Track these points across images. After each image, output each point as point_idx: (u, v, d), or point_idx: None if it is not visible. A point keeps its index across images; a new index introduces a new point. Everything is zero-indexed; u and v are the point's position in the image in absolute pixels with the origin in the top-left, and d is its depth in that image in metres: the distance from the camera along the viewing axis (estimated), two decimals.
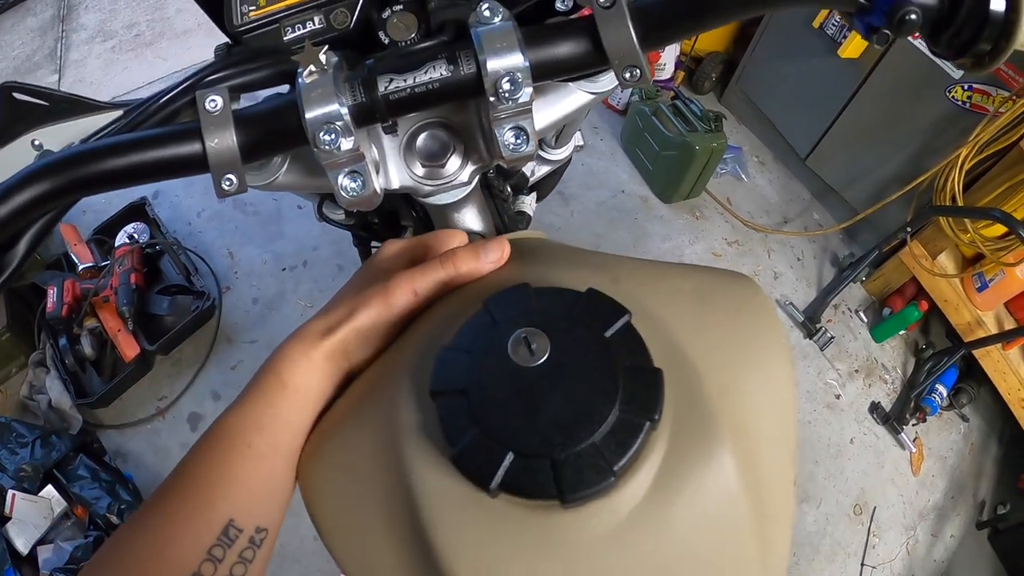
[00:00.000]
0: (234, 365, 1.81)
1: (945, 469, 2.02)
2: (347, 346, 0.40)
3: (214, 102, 0.38)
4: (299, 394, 0.39)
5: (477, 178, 0.52)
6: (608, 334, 0.32)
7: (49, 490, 1.52)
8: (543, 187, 0.93)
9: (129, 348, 1.64)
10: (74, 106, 0.47)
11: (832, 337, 2.12)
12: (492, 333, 0.33)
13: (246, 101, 0.44)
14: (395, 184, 0.49)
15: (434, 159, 0.49)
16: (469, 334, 0.34)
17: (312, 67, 0.39)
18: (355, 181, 0.41)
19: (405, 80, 0.39)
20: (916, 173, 1.90)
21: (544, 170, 0.82)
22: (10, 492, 1.47)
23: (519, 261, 0.43)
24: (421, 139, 0.49)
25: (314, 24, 0.48)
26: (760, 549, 0.33)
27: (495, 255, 0.41)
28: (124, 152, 0.38)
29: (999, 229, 1.74)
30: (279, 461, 0.38)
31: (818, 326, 2.12)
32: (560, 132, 0.76)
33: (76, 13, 2.71)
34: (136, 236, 1.85)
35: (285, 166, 0.50)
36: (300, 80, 0.38)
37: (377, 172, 0.47)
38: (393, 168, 0.49)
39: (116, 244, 1.83)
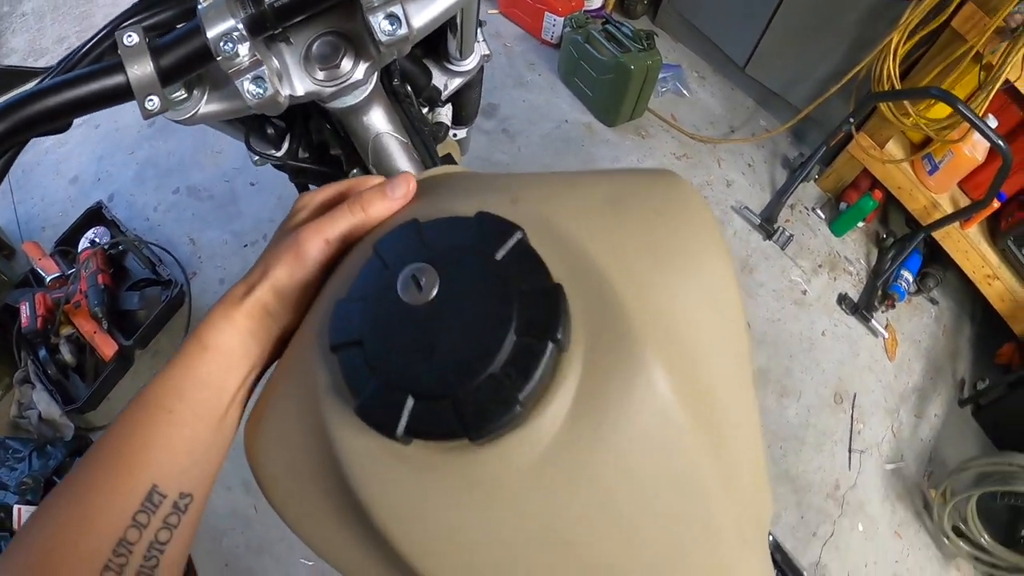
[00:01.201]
0: None
1: (920, 352, 2.07)
2: (267, 305, 0.39)
3: (131, 37, 0.44)
4: (220, 355, 0.38)
5: (375, 77, 0.58)
6: (499, 256, 0.30)
7: None
8: (464, 104, 0.95)
9: (107, 347, 1.65)
10: (17, 76, 0.53)
11: (791, 236, 2.14)
12: (383, 277, 0.32)
13: None
14: (299, 91, 0.54)
15: (328, 61, 0.54)
16: (362, 282, 0.33)
17: None
18: (259, 86, 0.48)
19: None
20: (853, 66, 1.94)
21: (456, 82, 0.84)
22: (16, 507, 1.48)
23: (427, 197, 0.41)
24: (316, 46, 0.54)
25: None
26: (715, 459, 0.32)
27: (401, 190, 0.40)
28: (61, 90, 0.44)
29: (942, 111, 1.78)
30: (201, 425, 0.38)
31: (776, 226, 2.15)
32: (461, 42, 0.78)
33: (4, 39, 2.65)
34: (98, 239, 1.84)
35: (205, 96, 0.54)
36: (200, 5, 0.44)
37: (280, 80, 0.52)
38: (296, 78, 0.54)
39: (79, 250, 1.82)
